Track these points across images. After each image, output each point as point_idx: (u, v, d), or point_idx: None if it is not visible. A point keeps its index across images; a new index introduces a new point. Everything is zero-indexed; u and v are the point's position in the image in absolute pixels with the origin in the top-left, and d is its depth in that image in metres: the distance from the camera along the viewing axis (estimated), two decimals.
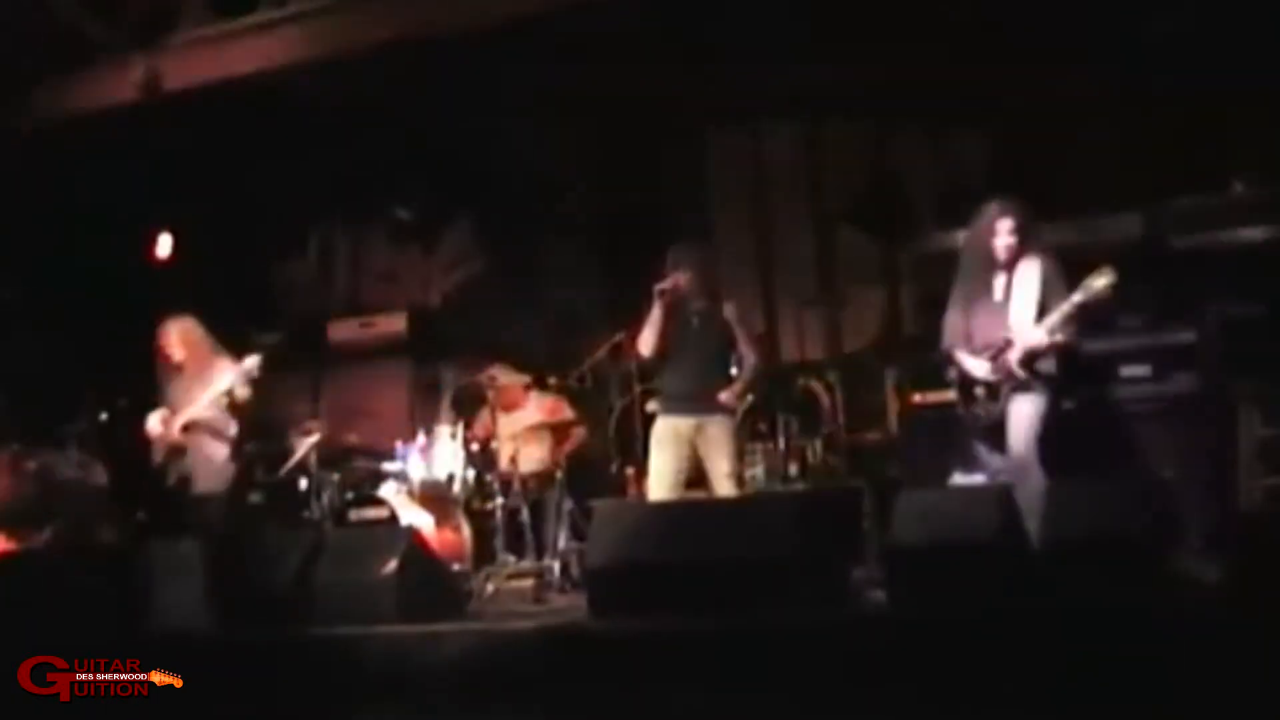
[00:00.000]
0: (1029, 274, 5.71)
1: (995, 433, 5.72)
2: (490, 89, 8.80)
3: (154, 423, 7.02)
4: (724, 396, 6.31)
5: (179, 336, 7.05)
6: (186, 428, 6.93)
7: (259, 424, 7.25)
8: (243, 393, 6.88)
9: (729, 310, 6.49)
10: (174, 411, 6.98)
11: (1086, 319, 5.66)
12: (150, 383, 7.29)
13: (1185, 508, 5.07)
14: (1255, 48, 7.06)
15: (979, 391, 5.77)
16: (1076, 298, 5.52)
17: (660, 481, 6.27)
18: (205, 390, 6.90)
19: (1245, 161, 6.88)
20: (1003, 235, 5.72)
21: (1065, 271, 5.69)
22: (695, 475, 6.38)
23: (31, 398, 8.79)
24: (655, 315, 6.33)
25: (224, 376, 6.88)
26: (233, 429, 6.96)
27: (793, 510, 5.58)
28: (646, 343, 6.39)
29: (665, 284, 6.31)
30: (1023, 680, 4.24)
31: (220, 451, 6.95)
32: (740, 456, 6.61)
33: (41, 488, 8.03)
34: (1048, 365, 5.65)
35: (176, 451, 6.97)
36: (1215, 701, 4.00)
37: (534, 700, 4.82)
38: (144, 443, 7.14)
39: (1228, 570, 4.90)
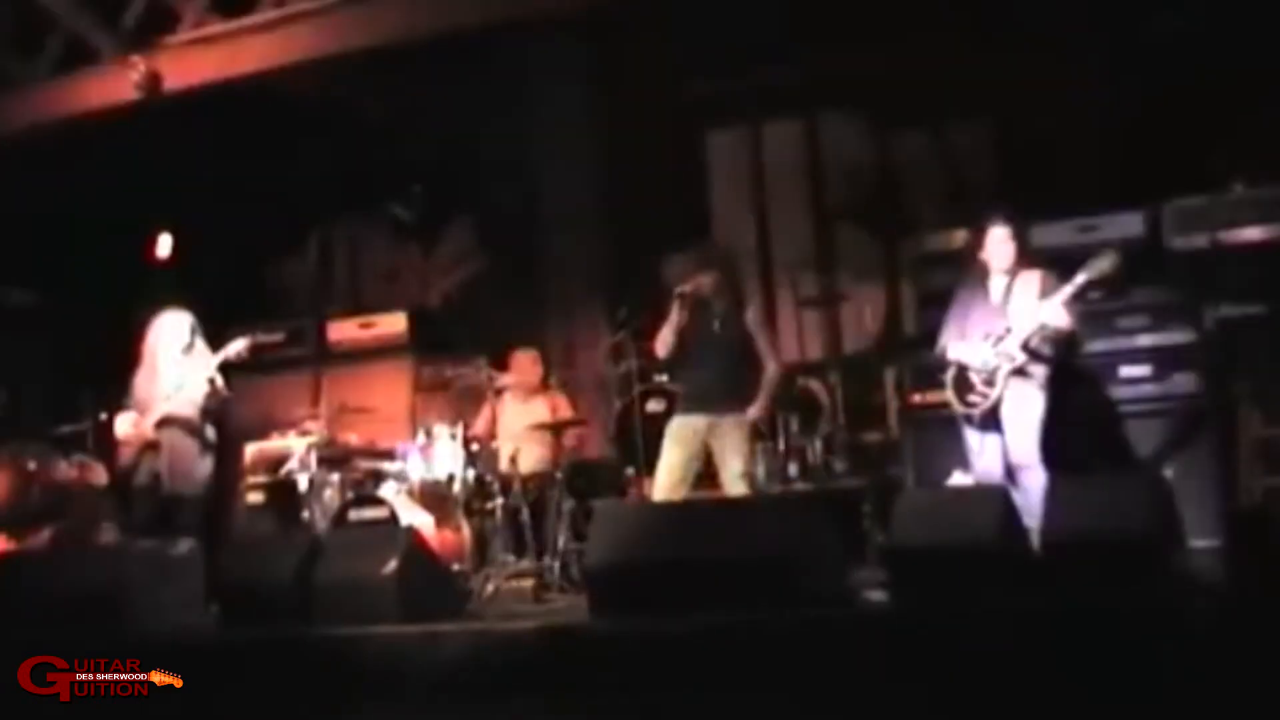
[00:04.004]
0: (1029, 283, 5.83)
1: (991, 417, 5.75)
2: (490, 89, 8.81)
3: (125, 425, 6.93)
4: (752, 413, 6.26)
5: (172, 329, 6.95)
6: (161, 424, 6.84)
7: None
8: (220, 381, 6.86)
9: (750, 315, 6.46)
10: (142, 411, 6.90)
11: (1091, 293, 5.77)
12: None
13: (1185, 508, 5.07)
14: (1256, 47, 7.07)
15: (974, 378, 5.80)
16: (1081, 278, 5.63)
17: (668, 476, 6.24)
18: (171, 384, 6.85)
19: (1245, 161, 6.87)
20: (1000, 246, 5.84)
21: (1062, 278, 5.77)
22: (703, 473, 6.38)
23: (31, 398, 8.79)
24: (675, 316, 6.29)
25: (200, 365, 6.84)
26: (209, 428, 6.92)
27: (793, 510, 5.58)
28: (664, 343, 6.36)
29: (687, 286, 6.28)
30: (1023, 680, 4.24)
31: (193, 448, 6.87)
32: (752, 456, 6.60)
33: (41, 488, 8.02)
34: (1045, 348, 5.72)
35: (150, 448, 6.87)
36: (1215, 701, 4.00)
37: (534, 700, 4.81)
38: (114, 445, 7.08)
39: (1228, 570, 4.90)
